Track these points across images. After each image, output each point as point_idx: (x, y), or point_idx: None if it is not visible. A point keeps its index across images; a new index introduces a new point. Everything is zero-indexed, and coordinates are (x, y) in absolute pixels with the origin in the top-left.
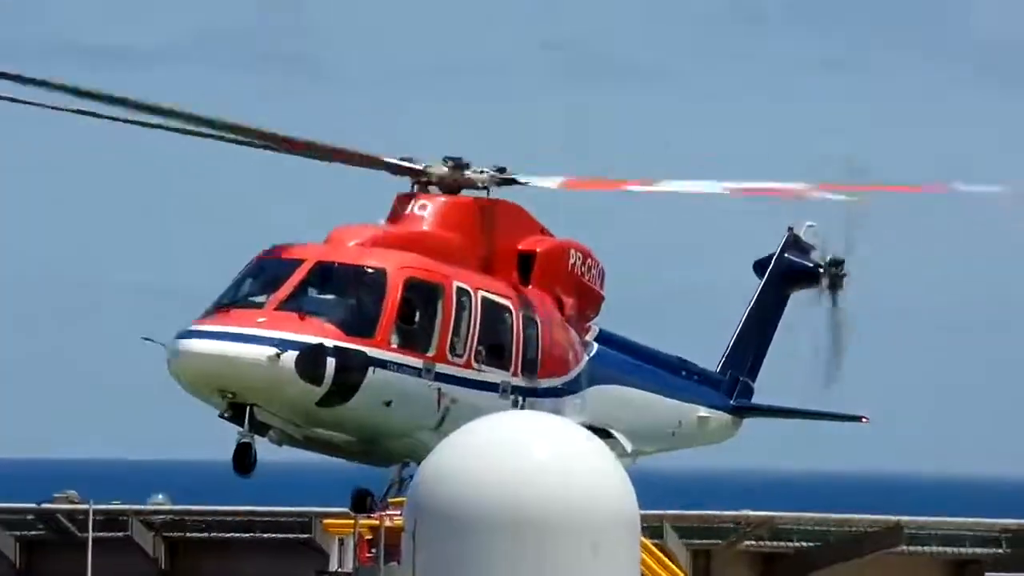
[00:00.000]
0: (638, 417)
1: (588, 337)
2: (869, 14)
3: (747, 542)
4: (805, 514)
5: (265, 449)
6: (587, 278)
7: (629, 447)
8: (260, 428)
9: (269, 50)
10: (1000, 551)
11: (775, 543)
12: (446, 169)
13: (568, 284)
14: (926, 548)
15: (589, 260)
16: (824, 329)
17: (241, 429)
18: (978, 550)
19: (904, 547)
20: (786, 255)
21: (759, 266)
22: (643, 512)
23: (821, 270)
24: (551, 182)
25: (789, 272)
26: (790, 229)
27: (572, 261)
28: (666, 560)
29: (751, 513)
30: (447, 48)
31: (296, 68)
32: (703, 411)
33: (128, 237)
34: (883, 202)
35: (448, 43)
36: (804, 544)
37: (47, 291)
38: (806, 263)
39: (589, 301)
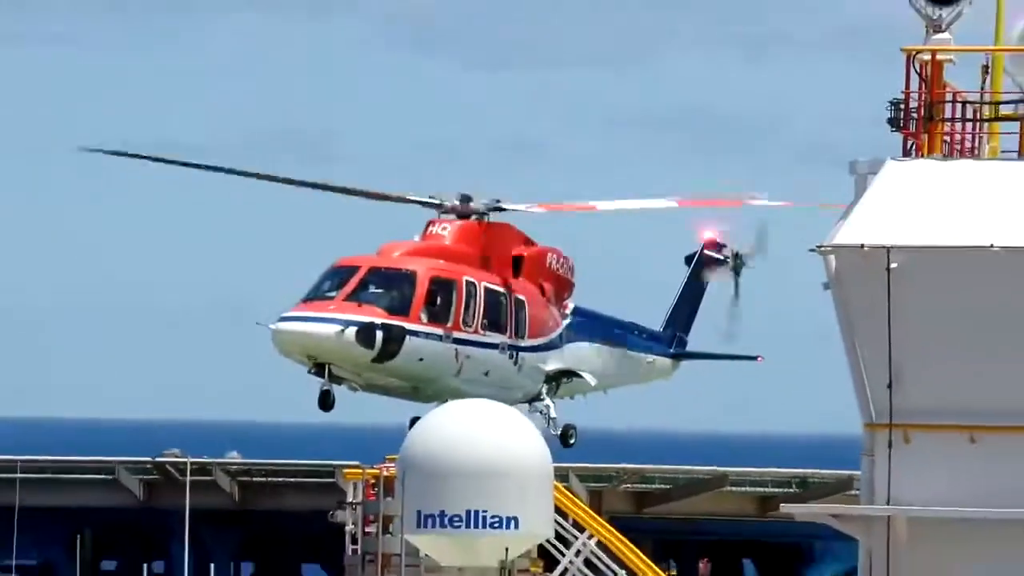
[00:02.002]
0: (602, 363)
1: (566, 311)
2: None
3: (625, 485)
4: (663, 466)
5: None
6: (561, 272)
7: (594, 382)
8: (337, 379)
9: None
10: (792, 491)
11: (644, 485)
12: (458, 203)
13: (547, 276)
14: (741, 489)
15: (561, 259)
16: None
17: (323, 380)
18: (776, 490)
19: (729, 488)
20: (704, 251)
21: (687, 259)
22: (555, 464)
23: (728, 262)
24: (532, 207)
25: (706, 263)
26: (707, 232)
27: (549, 261)
28: (572, 496)
29: (627, 466)
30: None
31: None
32: (650, 358)
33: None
34: None
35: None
36: (663, 486)
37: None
38: (716, 257)
39: (563, 287)
